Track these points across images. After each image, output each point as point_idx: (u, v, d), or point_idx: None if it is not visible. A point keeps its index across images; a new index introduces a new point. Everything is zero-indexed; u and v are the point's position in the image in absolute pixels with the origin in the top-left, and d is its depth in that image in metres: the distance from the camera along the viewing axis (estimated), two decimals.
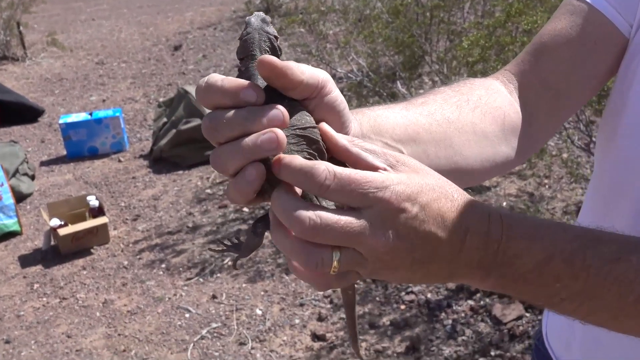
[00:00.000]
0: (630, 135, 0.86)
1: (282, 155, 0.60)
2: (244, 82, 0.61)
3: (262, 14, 0.67)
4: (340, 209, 0.59)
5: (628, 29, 0.87)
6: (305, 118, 0.63)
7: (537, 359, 1.13)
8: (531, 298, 0.67)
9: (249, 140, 0.58)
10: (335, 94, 0.65)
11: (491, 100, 0.88)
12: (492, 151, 0.86)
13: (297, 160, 0.59)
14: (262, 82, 0.63)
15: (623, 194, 0.86)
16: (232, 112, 0.60)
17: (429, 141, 0.78)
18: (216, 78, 0.61)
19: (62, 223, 4.05)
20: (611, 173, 0.90)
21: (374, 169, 0.60)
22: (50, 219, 4.08)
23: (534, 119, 0.92)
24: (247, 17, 0.67)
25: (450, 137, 0.80)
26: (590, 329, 0.91)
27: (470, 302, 3.15)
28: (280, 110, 0.60)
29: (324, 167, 0.58)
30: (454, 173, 0.81)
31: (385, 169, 0.61)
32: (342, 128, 0.66)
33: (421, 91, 0.88)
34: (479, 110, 0.85)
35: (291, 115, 0.62)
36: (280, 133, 0.58)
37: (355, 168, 0.60)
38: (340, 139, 0.63)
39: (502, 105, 0.89)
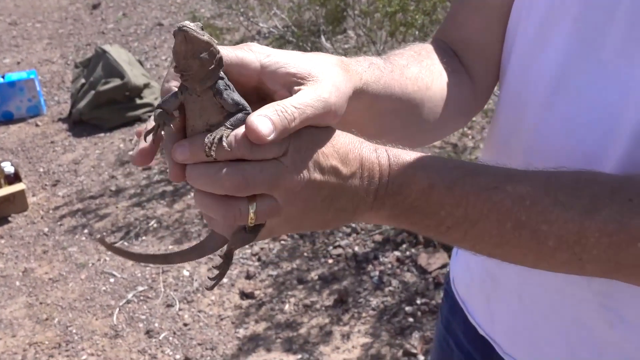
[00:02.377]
0: (513, 72, 0.86)
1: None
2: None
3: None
4: (257, 161, 0.62)
5: None
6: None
7: (446, 302, 1.15)
8: (423, 228, 0.71)
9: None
10: (338, 114, 0.68)
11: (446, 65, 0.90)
12: (447, 115, 0.89)
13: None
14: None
15: (514, 132, 0.87)
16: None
17: (406, 108, 0.82)
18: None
19: None
20: (503, 112, 0.90)
21: None
22: None
23: (472, 79, 0.94)
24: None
25: (424, 104, 0.85)
26: (486, 271, 0.92)
27: (397, 253, 3.19)
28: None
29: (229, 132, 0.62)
30: (412, 136, 0.88)
31: None
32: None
33: (398, 50, 0.91)
34: (443, 74, 0.89)
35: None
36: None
37: None
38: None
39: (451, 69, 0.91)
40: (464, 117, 0.97)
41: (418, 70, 0.84)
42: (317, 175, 0.64)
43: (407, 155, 0.68)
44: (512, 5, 0.88)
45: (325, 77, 0.66)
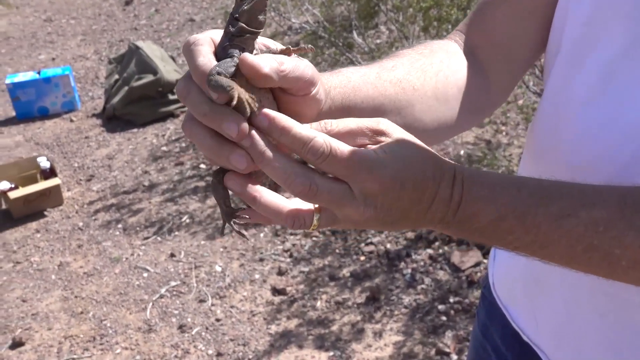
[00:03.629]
0: (559, 70, 0.84)
1: (284, 123, 0.65)
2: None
3: None
4: (329, 177, 0.65)
5: None
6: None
7: (483, 307, 1.12)
8: (487, 244, 0.73)
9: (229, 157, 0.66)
10: (319, 92, 0.70)
11: (452, 63, 0.88)
12: (450, 114, 0.87)
13: (299, 128, 0.64)
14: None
15: (555, 129, 0.84)
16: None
17: (391, 111, 0.80)
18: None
19: (13, 186, 3.93)
20: (546, 109, 0.88)
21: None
22: None
23: (489, 77, 0.92)
24: None
25: (413, 105, 0.83)
26: (530, 275, 0.90)
27: (429, 250, 3.16)
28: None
29: (322, 140, 0.63)
30: None
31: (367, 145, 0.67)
32: (317, 114, 0.72)
33: (395, 49, 0.89)
34: (442, 73, 0.86)
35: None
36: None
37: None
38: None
39: (461, 68, 0.89)
40: (474, 116, 0.94)
41: (405, 72, 0.83)
42: (382, 214, 0.66)
43: (482, 184, 0.69)
44: (548, 1, 0.86)
45: None
